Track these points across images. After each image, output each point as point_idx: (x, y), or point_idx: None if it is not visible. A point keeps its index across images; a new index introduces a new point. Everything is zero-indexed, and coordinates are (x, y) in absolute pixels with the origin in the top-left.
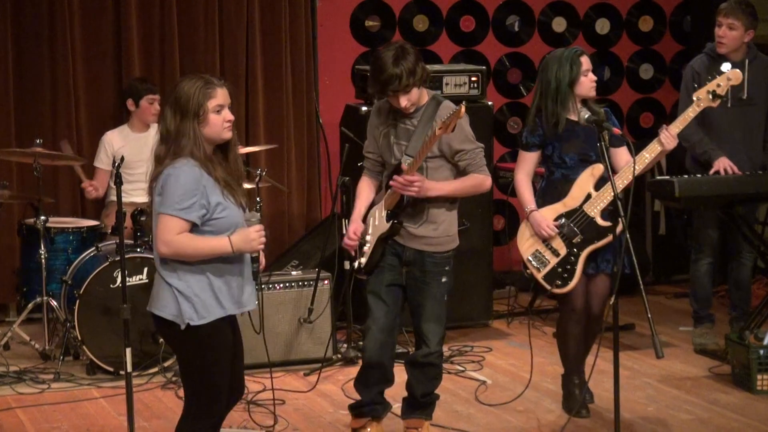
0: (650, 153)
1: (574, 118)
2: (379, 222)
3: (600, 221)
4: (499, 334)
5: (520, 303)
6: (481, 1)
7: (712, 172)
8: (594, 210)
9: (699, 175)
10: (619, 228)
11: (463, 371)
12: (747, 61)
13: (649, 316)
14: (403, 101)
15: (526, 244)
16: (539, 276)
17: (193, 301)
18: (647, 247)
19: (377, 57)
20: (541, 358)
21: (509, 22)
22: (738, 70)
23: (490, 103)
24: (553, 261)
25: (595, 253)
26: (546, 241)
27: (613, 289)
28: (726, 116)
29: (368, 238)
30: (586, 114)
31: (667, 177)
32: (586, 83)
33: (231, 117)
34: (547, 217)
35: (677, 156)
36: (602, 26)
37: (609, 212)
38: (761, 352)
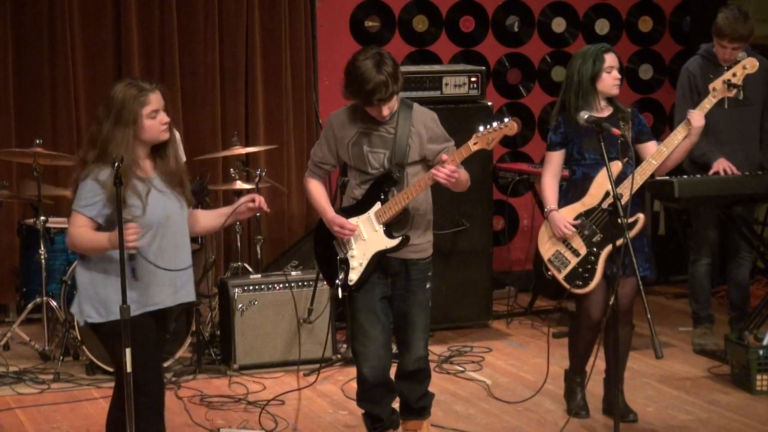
0: (682, 133)
1: (596, 114)
2: (372, 237)
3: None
4: (498, 335)
5: (519, 303)
6: (481, 2)
7: (711, 173)
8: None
9: (698, 176)
10: (641, 223)
11: (462, 371)
12: None
13: (649, 316)
14: (385, 110)
15: (546, 245)
16: (560, 277)
17: (94, 300)
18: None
19: (356, 66)
20: (541, 359)
21: (509, 23)
22: (754, 59)
23: (489, 103)
24: (574, 261)
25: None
26: (566, 241)
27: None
28: (723, 117)
29: (355, 253)
30: (585, 114)
31: (667, 177)
32: (609, 80)
33: (167, 119)
34: (566, 216)
35: None
36: (602, 27)
37: (630, 207)
38: (760, 352)
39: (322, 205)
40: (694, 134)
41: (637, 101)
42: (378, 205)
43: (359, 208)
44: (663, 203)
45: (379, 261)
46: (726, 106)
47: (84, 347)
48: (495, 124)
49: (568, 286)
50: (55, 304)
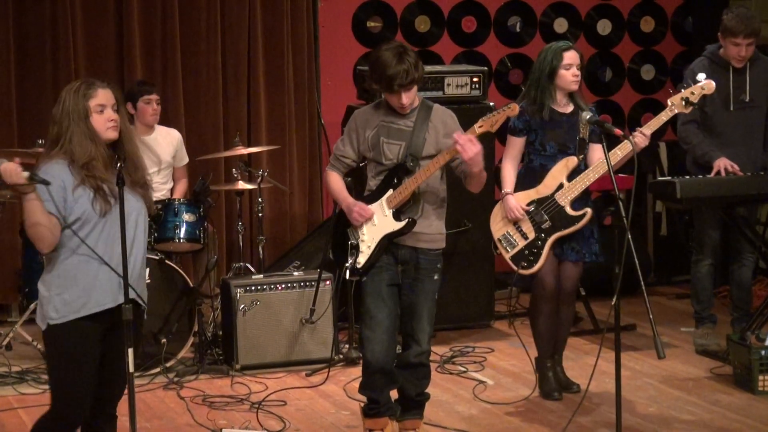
0: (622, 150)
1: (558, 108)
2: (381, 221)
3: (569, 210)
4: (500, 335)
5: (521, 304)
6: (483, 2)
7: (713, 173)
8: (565, 199)
9: (701, 176)
10: (588, 217)
11: (464, 372)
12: (748, 64)
13: (651, 316)
14: (405, 98)
15: (498, 225)
16: (507, 256)
17: (54, 300)
18: (649, 247)
19: (379, 56)
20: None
21: (511, 23)
22: (712, 81)
23: (491, 104)
24: (522, 243)
25: (563, 240)
26: (517, 224)
27: (614, 283)
28: (728, 119)
29: (364, 237)
30: (588, 115)
31: (669, 178)
32: (566, 76)
33: (114, 116)
34: (519, 201)
35: (679, 157)
36: (604, 27)
37: (579, 203)
38: (762, 353)
39: (342, 193)
40: (637, 149)
41: (639, 102)
42: (390, 192)
43: (373, 197)
44: (665, 204)
45: (388, 245)
46: (731, 108)
47: None
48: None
49: (514, 267)
50: None
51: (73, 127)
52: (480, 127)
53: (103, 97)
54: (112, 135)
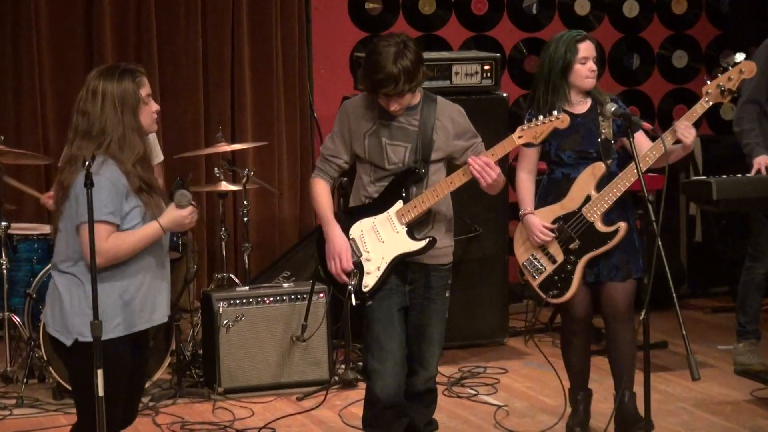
0: (656, 152)
1: (571, 109)
2: (392, 239)
3: (600, 226)
4: (515, 354)
5: (539, 318)
6: None
7: (753, 171)
8: (594, 214)
9: (739, 176)
10: (622, 233)
11: (475, 395)
12: None
13: (684, 333)
14: (394, 105)
15: (521, 249)
16: (534, 284)
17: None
18: (681, 255)
19: (375, 50)
20: (564, 380)
21: (526, 4)
22: (752, 62)
23: (504, 94)
24: (550, 268)
25: (597, 259)
26: (543, 246)
27: (643, 295)
28: None
29: (371, 256)
30: (612, 107)
31: (704, 177)
32: (582, 72)
33: (157, 107)
34: (543, 220)
35: (715, 153)
36: (630, 8)
37: (613, 214)
38: None
39: (326, 215)
40: (687, 146)
41: (670, 92)
42: (399, 204)
43: (375, 207)
44: (700, 206)
45: (398, 266)
46: None
47: (51, 368)
48: (542, 117)
49: (543, 296)
50: (18, 320)
51: (118, 122)
52: (519, 137)
53: (148, 85)
54: (155, 129)
